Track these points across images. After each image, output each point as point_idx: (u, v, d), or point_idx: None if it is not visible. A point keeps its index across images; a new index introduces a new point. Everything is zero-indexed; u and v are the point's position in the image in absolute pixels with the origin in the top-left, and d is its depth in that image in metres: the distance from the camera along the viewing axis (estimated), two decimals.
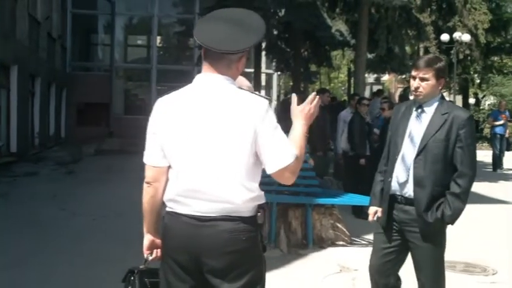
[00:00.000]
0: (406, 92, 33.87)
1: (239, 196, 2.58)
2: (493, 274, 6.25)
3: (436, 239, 3.76)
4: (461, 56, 27.53)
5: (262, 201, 2.70)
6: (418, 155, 3.67)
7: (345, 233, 7.27)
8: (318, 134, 10.24)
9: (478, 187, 12.83)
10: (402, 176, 3.73)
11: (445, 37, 25.77)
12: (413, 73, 3.75)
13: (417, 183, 3.66)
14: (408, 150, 3.73)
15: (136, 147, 14.35)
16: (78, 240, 7.26)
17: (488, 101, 37.21)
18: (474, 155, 3.75)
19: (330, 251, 6.99)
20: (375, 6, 18.48)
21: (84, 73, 27.08)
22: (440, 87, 3.76)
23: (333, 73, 46.05)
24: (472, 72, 33.59)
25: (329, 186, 9.34)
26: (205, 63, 2.69)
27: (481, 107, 35.81)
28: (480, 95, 38.60)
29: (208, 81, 2.67)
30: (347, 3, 20.30)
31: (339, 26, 20.09)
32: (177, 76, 26.72)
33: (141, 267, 2.91)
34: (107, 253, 6.59)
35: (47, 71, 20.02)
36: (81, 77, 25.47)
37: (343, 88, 49.19)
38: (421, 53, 28.86)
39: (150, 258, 2.88)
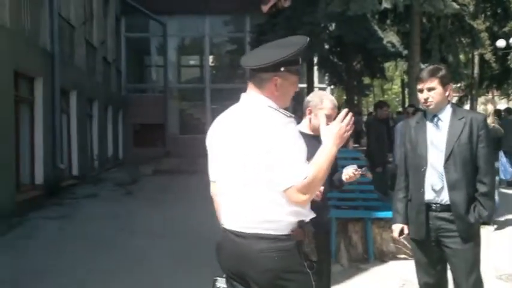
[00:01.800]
0: (461, 99, 33.29)
1: (269, 211, 2.61)
2: None
3: (474, 240, 3.83)
4: None
5: (302, 218, 2.69)
6: (447, 160, 3.76)
7: (406, 246, 7.14)
8: (377, 150, 10.13)
9: None
10: (437, 183, 3.80)
11: (501, 43, 25.20)
12: (420, 86, 3.89)
13: (451, 187, 3.76)
14: (436, 159, 3.82)
15: (193, 167, 14.58)
16: (138, 260, 7.37)
17: None
18: (492, 154, 4.04)
19: (391, 265, 6.89)
20: (426, 15, 18.28)
21: (139, 95, 27.57)
22: (447, 94, 3.88)
23: (387, 85, 45.60)
24: None
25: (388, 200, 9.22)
26: (248, 83, 2.80)
27: None
28: None
29: (245, 100, 2.79)
30: (397, 14, 20.11)
31: (390, 38, 19.95)
32: (231, 94, 26.58)
33: (224, 275, 2.94)
34: (167, 272, 6.68)
35: (103, 94, 20.52)
36: (136, 99, 25.95)
37: (397, 99, 48.60)
38: (476, 60, 28.32)
39: None
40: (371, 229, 7.04)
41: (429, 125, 3.90)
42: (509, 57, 26.30)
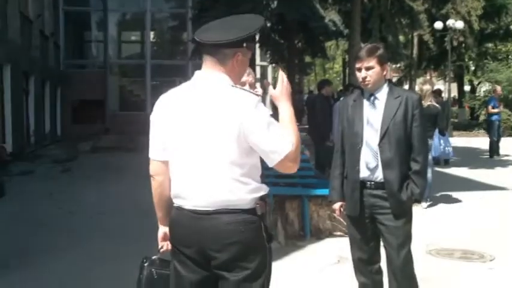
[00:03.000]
0: (400, 80, 33.92)
1: (233, 190, 2.62)
2: (491, 260, 6.26)
3: (406, 217, 3.92)
4: (455, 44, 27.46)
5: (262, 192, 2.72)
6: (382, 139, 3.83)
7: (342, 223, 7.25)
8: (324, 125, 10.21)
9: (475, 174, 12.92)
10: (372, 161, 3.87)
11: (438, 25, 25.72)
12: (358, 65, 3.93)
13: (386, 165, 3.83)
14: (371, 137, 3.88)
15: (132, 144, 14.36)
16: (75, 238, 7.25)
17: (484, 88, 37.21)
18: (426, 133, 4.09)
19: (327, 242, 6.99)
20: None
21: (79, 70, 27.00)
22: (385, 73, 3.92)
23: (328, 64, 46.01)
24: (466, 60, 33.58)
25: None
26: (203, 60, 2.75)
27: (477, 94, 35.85)
28: (475, 82, 38.60)
29: (202, 77, 2.75)
30: None
31: (332, 17, 20.04)
32: (172, 71, 26.69)
33: (153, 257, 3.00)
34: (105, 251, 6.60)
35: (40, 69, 19.96)
36: (76, 75, 25.39)
37: (338, 79, 49.15)
38: (415, 41, 28.84)
39: (162, 249, 2.97)
40: (308, 206, 7.11)
41: (366, 104, 3.94)
42: (446, 39, 26.87)
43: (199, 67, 2.80)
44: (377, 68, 3.84)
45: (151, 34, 28.46)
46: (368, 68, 3.85)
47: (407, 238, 3.94)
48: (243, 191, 2.64)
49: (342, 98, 10.64)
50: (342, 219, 7.22)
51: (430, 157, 9.67)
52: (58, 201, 9.85)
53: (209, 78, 2.71)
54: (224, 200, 2.62)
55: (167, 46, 30.01)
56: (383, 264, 4.09)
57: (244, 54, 2.73)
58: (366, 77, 3.86)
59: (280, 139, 2.58)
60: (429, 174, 9.50)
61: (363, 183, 3.91)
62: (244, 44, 2.68)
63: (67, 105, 24.70)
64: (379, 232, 3.98)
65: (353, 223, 4.04)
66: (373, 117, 3.89)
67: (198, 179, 2.65)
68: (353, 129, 3.94)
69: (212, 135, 2.60)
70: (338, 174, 4.11)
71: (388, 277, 4.01)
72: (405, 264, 3.93)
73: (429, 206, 9.02)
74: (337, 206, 4.14)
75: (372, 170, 3.86)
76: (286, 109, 2.72)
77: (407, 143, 3.84)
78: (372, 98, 3.92)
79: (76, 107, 24.99)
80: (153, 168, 2.85)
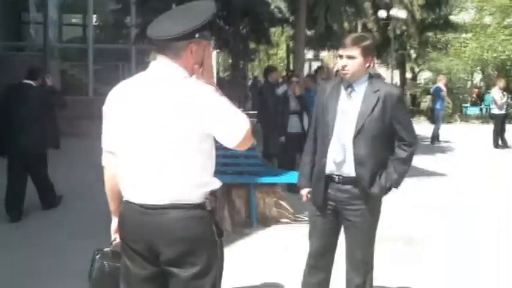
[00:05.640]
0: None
1: (182, 185, 2.58)
2: (430, 247, 6.41)
3: (374, 215, 3.84)
4: (398, 32, 28.01)
5: (213, 187, 2.69)
6: (357, 135, 3.68)
7: (289, 210, 7.31)
8: (274, 114, 10.12)
9: (416, 160, 13.17)
10: (339, 155, 3.73)
11: (382, 13, 26.15)
12: (340, 52, 3.76)
13: (358, 162, 3.68)
14: (343, 130, 3.73)
15: (75, 129, 13.96)
16: (21, 230, 7.06)
17: (424, 76, 38.08)
18: (412, 124, 3.90)
19: (274, 229, 7.02)
20: None
21: (16, 53, 26.15)
22: (367, 66, 3.76)
23: (272, 50, 46.08)
24: (408, 48, 34.26)
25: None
26: (157, 52, 2.69)
27: (418, 82, 36.65)
28: (417, 70, 39.42)
29: (156, 69, 2.69)
30: None
31: (277, 3, 20.09)
32: (115, 55, 26.18)
33: (105, 249, 2.94)
34: (53, 242, 6.43)
35: None
36: (13, 58, 24.59)
37: (282, 64, 49.35)
38: (359, 29, 29.20)
39: (115, 242, 2.90)
40: (254, 194, 7.11)
41: (342, 94, 3.79)
42: (389, 27, 27.33)
43: (142, 52, 2.75)
44: (359, 59, 3.68)
45: (94, 17, 27.84)
46: (349, 57, 3.68)
47: (372, 237, 3.89)
48: (193, 186, 2.59)
49: (282, 86, 10.65)
50: (288, 207, 7.28)
51: None
52: None
53: (163, 70, 2.66)
54: (174, 195, 2.57)
55: (110, 30, 29.41)
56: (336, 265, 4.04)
57: (199, 44, 2.66)
58: (345, 66, 3.69)
59: (240, 118, 2.56)
60: None
61: (329, 176, 3.79)
62: (197, 35, 2.62)
63: (2, 89, 23.95)
64: (339, 227, 3.91)
65: (316, 212, 3.92)
66: (348, 109, 3.74)
67: (147, 172, 2.60)
68: (325, 119, 3.80)
69: (163, 127, 2.56)
70: (308, 161, 4.00)
71: (347, 269, 3.92)
72: (368, 260, 3.88)
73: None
74: (304, 192, 4.03)
75: (339, 164, 3.73)
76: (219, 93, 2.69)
77: (383, 141, 3.73)
78: (350, 89, 3.76)
79: None
80: (106, 159, 2.80)
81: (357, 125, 3.68)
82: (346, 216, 3.81)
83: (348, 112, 3.73)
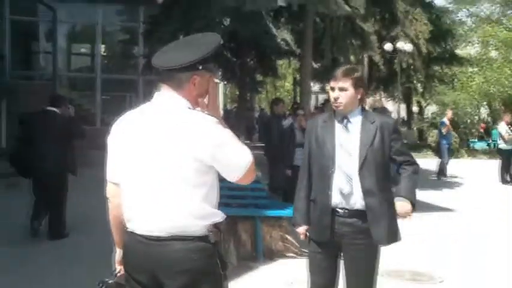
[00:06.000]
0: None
1: (186, 216, 2.57)
2: (440, 282, 6.34)
3: (376, 249, 3.81)
4: (404, 65, 28.09)
5: (217, 219, 2.67)
6: (361, 167, 3.67)
7: (295, 244, 7.23)
8: (280, 146, 10.08)
9: (423, 195, 13.07)
10: (345, 187, 3.70)
11: (388, 46, 26.28)
12: (332, 84, 3.79)
13: (367, 193, 3.67)
14: (345, 162, 3.72)
15: (82, 159, 13.95)
16: (24, 256, 7.00)
17: (431, 110, 38.08)
18: (406, 149, 4.02)
19: (280, 263, 6.95)
20: (320, 16, 18.63)
21: (26, 82, 26.31)
22: (359, 97, 3.79)
23: (279, 82, 46.32)
24: (415, 81, 34.35)
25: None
26: (161, 82, 2.71)
27: (425, 116, 36.65)
28: (423, 104, 39.48)
29: (160, 100, 2.70)
30: (292, 12, 20.42)
31: (284, 36, 20.21)
32: (122, 85, 26.36)
33: (109, 281, 2.90)
34: (56, 272, 6.35)
35: None
36: (23, 86, 24.74)
37: (289, 97, 49.56)
38: (365, 62, 29.33)
39: (119, 273, 2.88)
40: (260, 227, 7.06)
41: (338, 126, 3.79)
42: (395, 60, 27.45)
43: (150, 83, 2.78)
44: (351, 91, 3.70)
45: (102, 47, 28.10)
46: (341, 89, 3.71)
47: (374, 270, 3.83)
48: (194, 217, 2.58)
49: (288, 118, 10.67)
50: (294, 241, 7.21)
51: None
52: (2, 218, 9.49)
53: (166, 101, 2.67)
54: (176, 227, 2.56)
55: (118, 60, 29.65)
56: None
57: (202, 76, 2.67)
58: (338, 98, 3.72)
59: (242, 152, 2.59)
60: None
61: (333, 210, 3.74)
62: (200, 67, 2.63)
63: (13, 118, 24.03)
64: (339, 262, 3.86)
65: (318, 248, 3.86)
66: (346, 141, 3.74)
67: (151, 204, 2.59)
68: (323, 152, 3.78)
69: (167, 159, 2.56)
70: (303, 196, 3.94)
71: None
72: None
73: None
74: (302, 229, 3.95)
75: (346, 197, 3.70)
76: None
77: (386, 169, 3.75)
78: (345, 121, 3.78)
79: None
80: (109, 190, 2.80)
81: (360, 157, 3.68)
82: (348, 250, 3.76)
83: (348, 144, 3.74)
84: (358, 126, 3.76)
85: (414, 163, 3.87)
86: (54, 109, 8.21)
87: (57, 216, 8.10)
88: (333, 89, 3.77)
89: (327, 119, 3.89)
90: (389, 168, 3.84)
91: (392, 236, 3.82)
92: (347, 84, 3.70)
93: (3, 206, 10.42)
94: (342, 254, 3.84)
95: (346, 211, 3.72)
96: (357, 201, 3.69)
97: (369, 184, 3.66)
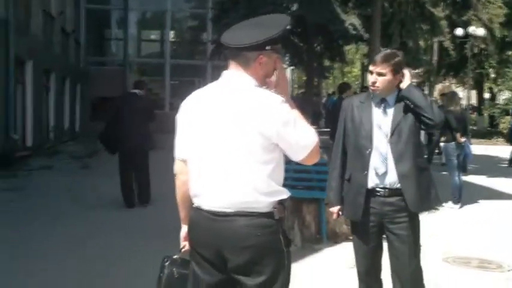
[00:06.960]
0: (419, 85, 33.71)
1: (252, 192, 2.61)
2: (509, 270, 6.21)
3: (417, 226, 3.82)
4: (476, 51, 27.28)
5: (282, 196, 2.70)
6: (392, 134, 3.71)
7: None
8: None
9: (493, 182, 12.81)
10: (381, 167, 3.73)
11: (459, 31, 25.54)
12: (371, 68, 3.80)
13: (398, 158, 3.69)
14: (381, 143, 3.74)
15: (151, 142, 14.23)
16: (92, 233, 7.33)
17: (504, 96, 36.85)
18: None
19: (343, 246, 6.96)
20: (388, 0, 18.35)
21: (98, 68, 27.15)
22: (397, 83, 3.77)
23: (347, 68, 45.86)
24: (487, 67, 33.30)
25: None
26: (229, 60, 2.75)
27: (497, 102, 35.52)
28: (495, 90, 38.25)
29: (227, 78, 2.75)
30: None
31: (352, 20, 19.95)
32: (191, 70, 26.83)
33: (174, 256, 2.98)
34: (124, 248, 6.65)
35: (61, 66, 20.11)
36: (95, 72, 25.54)
37: (356, 83, 49.03)
38: (435, 47, 28.67)
39: (184, 249, 2.94)
40: (325, 210, 7.10)
41: (375, 108, 3.82)
42: (466, 45, 26.70)
43: (218, 68, 2.86)
44: (388, 76, 3.71)
45: (171, 33, 28.59)
46: (380, 74, 3.71)
47: (418, 246, 3.85)
48: (260, 194, 2.62)
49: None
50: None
51: (455, 161, 9.70)
52: (77, 196, 9.93)
53: (233, 79, 2.72)
54: (242, 202, 2.61)
55: (187, 46, 30.09)
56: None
57: (269, 56, 2.71)
58: (375, 82, 3.73)
59: (307, 132, 2.63)
60: (456, 177, 9.56)
61: (370, 190, 3.76)
62: (267, 47, 2.67)
63: (86, 102, 24.85)
64: (381, 244, 3.88)
65: (358, 229, 3.88)
66: (383, 123, 3.77)
67: (218, 179, 2.64)
68: (361, 132, 3.80)
69: (235, 136, 2.61)
70: (337, 175, 3.97)
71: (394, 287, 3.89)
72: (416, 274, 3.84)
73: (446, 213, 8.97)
74: (335, 209, 3.99)
75: (381, 177, 3.72)
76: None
77: (416, 136, 3.79)
78: (383, 104, 3.80)
79: (95, 104, 25.12)
80: (177, 167, 2.85)
81: (392, 127, 3.73)
82: (391, 230, 3.78)
83: (384, 126, 3.76)
84: (393, 108, 3.78)
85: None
86: (135, 91, 9.30)
87: (146, 184, 9.03)
88: (371, 72, 3.78)
89: (364, 99, 3.92)
90: (420, 135, 3.91)
91: (427, 202, 3.83)
92: (385, 69, 3.70)
93: (80, 183, 10.91)
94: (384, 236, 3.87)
95: (386, 190, 3.74)
96: (394, 181, 3.72)
97: (400, 150, 3.69)
